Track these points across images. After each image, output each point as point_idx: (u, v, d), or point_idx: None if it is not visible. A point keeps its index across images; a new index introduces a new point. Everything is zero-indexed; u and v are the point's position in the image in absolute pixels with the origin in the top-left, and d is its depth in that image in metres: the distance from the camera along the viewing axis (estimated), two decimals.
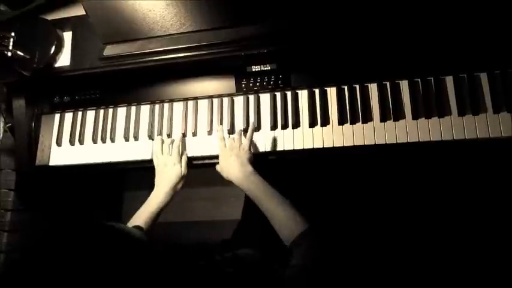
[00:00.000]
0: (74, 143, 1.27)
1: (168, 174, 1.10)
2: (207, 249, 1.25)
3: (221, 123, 1.18)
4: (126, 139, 1.23)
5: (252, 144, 1.09)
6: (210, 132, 1.18)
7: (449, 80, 1.07)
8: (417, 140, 1.05)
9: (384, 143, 1.07)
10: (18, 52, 1.17)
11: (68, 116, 1.30)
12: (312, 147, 1.11)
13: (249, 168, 1.01)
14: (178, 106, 1.23)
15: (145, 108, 1.25)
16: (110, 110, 1.27)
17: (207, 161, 1.17)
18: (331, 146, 1.10)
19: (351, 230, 1.45)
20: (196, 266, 0.77)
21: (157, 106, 1.24)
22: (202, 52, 1.10)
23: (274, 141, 1.13)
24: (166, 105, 1.23)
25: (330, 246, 0.87)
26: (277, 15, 1.04)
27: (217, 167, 1.08)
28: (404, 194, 1.47)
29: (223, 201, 1.79)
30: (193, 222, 1.84)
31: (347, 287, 1.23)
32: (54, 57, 1.21)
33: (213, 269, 0.81)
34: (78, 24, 1.22)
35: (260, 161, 1.09)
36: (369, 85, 1.12)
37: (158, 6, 1.04)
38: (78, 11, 1.21)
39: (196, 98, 1.21)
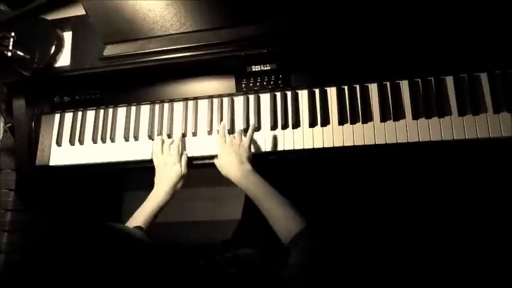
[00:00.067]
0: (74, 143, 1.27)
1: (168, 174, 1.10)
2: (207, 249, 1.25)
3: (221, 123, 1.18)
4: (126, 139, 1.23)
5: (252, 143, 1.09)
6: (210, 132, 1.18)
7: (449, 80, 1.07)
8: (417, 140, 1.05)
9: (384, 143, 1.07)
10: (18, 52, 1.17)
11: (68, 116, 1.30)
12: (312, 147, 1.11)
13: (248, 166, 1.01)
14: (178, 106, 1.23)
15: (145, 108, 1.25)
16: (110, 110, 1.27)
17: (207, 161, 1.17)
18: (331, 146, 1.10)
19: (351, 230, 1.45)
20: (196, 266, 0.77)
21: (157, 106, 1.24)
22: (202, 52, 1.10)
23: (275, 141, 1.13)
24: (166, 105, 1.23)
25: (328, 246, 0.87)
26: (277, 15, 1.04)
27: (216, 162, 1.07)
28: (404, 194, 1.47)
29: (224, 201, 1.79)
30: (193, 222, 1.84)
31: (345, 286, 1.23)
32: (54, 57, 1.21)
33: (213, 269, 0.81)
34: (78, 24, 1.22)
35: (260, 161, 1.09)
36: (369, 85, 1.12)
37: (158, 6, 1.04)
38: (78, 11, 1.21)
39: (196, 98, 1.21)
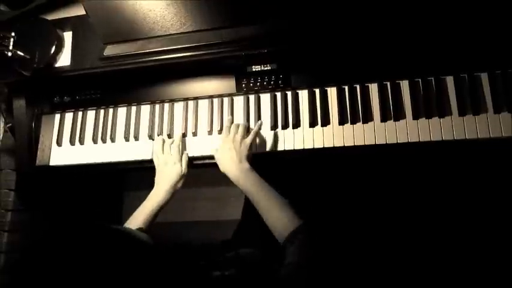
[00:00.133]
0: (74, 143, 1.27)
1: (168, 173, 1.10)
2: (207, 249, 1.25)
3: (221, 123, 1.18)
4: (127, 139, 1.23)
5: (252, 143, 1.09)
6: (210, 132, 1.18)
7: (449, 80, 1.07)
8: (418, 140, 1.05)
9: (385, 143, 1.07)
10: (19, 52, 1.17)
11: (68, 116, 1.30)
12: (312, 147, 1.11)
13: (247, 165, 1.01)
14: (178, 106, 1.23)
15: (145, 108, 1.25)
16: (110, 110, 1.27)
17: (207, 161, 1.17)
18: (332, 146, 1.10)
19: (351, 230, 1.45)
20: (197, 266, 0.77)
21: (157, 106, 1.24)
22: (202, 52, 1.10)
23: (275, 141, 1.13)
24: (166, 105, 1.23)
25: (324, 244, 0.86)
26: (277, 15, 1.04)
27: (215, 154, 1.07)
28: (405, 194, 1.47)
29: (224, 202, 1.79)
30: (193, 222, 1.84)
31: (342, 285, 1.23)
32: (55, 57, 1.21)
33: (214, 269, 0.80)
34: (79, 24, 1.22)
35: (260, 161, 1.09)
36: (370, 85, 1.12)
37: (158, 6, 1.04)
38: (78, 11, 1.21)
39: (196, 98, 1.21)
